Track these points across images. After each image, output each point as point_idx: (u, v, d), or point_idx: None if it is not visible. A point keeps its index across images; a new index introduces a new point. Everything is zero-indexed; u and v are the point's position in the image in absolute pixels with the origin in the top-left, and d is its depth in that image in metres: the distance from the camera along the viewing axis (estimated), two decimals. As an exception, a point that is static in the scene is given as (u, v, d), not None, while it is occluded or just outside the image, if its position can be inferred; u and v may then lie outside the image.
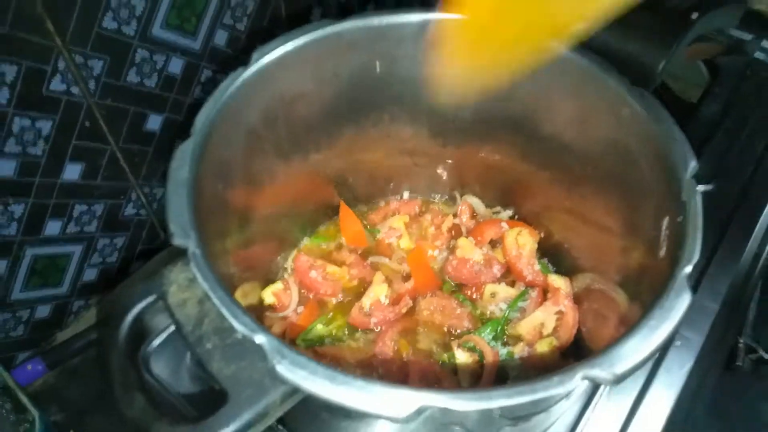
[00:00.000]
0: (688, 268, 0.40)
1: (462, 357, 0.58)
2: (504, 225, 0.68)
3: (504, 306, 0.64)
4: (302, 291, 0.65)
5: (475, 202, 0.71)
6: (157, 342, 0.41)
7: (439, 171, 0.70)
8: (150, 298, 0.38)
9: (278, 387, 0.35)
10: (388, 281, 0.64)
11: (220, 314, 0.34)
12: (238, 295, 0.51)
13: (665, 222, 0.45)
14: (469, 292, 0.66)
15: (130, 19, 0.58)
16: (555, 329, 0.61)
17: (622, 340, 0.37)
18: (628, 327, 0.38)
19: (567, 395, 0.51)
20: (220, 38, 0.68)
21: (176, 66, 0.65)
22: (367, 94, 0.54)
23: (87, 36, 0.55)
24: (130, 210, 0.70)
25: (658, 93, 0.76)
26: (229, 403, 0.35)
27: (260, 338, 0.33)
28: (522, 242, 0.65)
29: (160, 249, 0.74)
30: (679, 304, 0.38)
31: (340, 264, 0.66)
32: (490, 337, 0.62)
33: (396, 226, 0.68)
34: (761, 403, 0.91)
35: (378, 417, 0.32)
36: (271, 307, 0.62)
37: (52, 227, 0.62)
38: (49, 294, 0.66)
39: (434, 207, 0.73)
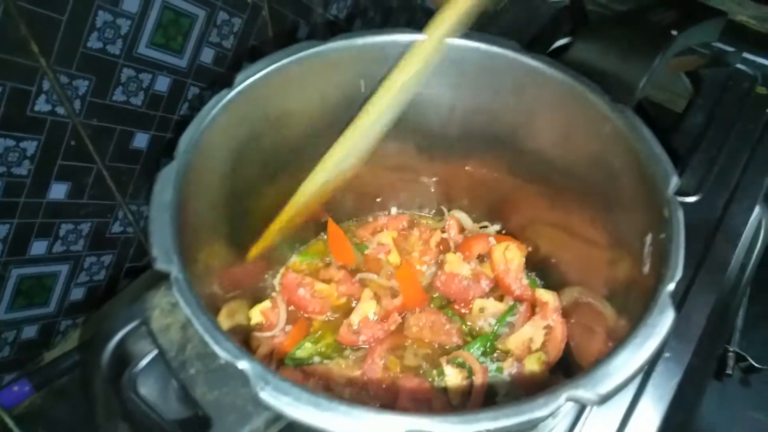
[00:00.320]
0: (671, 286, 0.40)
1: (451, 374, 0.58)
2: (492, 240, 0.68)
3: (493, 321, 0.64)
4: (290, 309, 0.65)
5: (462, 216, 0.71)
6: (143, 363, 0.41)
7: (427, 186, 0.70)
8: (133, 324, 0.37)
9: (262, 413, 0.35)
10: (377, 298, 0.64)
11: (203, 339, 0.34)
12: (225, 314, 0.51)
13: (648, 238, 0.45)
14: (457, 307, 0.66)
15: (116, 38, 0.58)
16: (544, 344, 0.61)
17: (605, 359, 0.37)
18: (616, 341, 0.39)
19: (554, 415, 0.51)
20: (207, 56, 0.68)
21: (163, 84, 0.65)
22: (353, 113, 0.54)
23: (72, 56, 0.55)
24: (117, 228, 0.69)
25: (641, 107, 0.77)
26: (213, 429, 0.35)
27: (243, 364, 0.33)
28: (510, 257, 0.66)
29: (147, 267, 0.73)
30: (662, 322, 0.39)
31: (328, 281, 0.66)
32: (479, 352, 0.62)
33: (384, 241, 0.69)
34: (751, 412, 0.92)
35: (363, 442, 0.32)
36: (259, 326, 0.62)
37: (38, 247, 0.62)
38: (35, 314, 0.65)
39: (422, 222, 0.73)
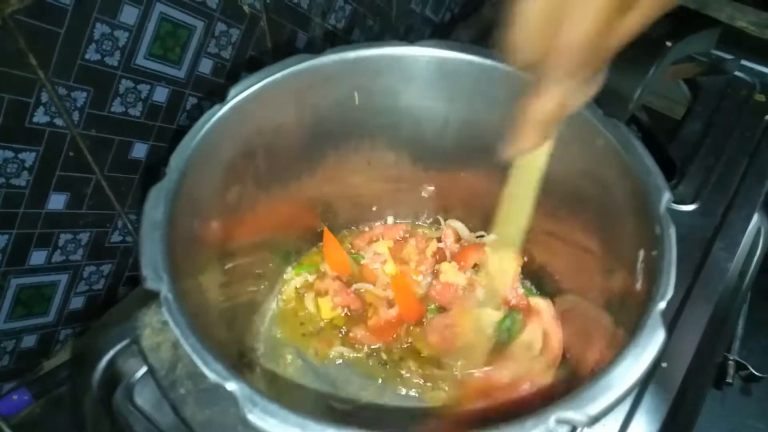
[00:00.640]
0: (662, 305, 0.40)
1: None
2: (487, 249, 0.68)
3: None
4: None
5: (458, 226, 0.71)
6: (139, 374, 0.41)
7: (423, 196, 0.70)
8: (123, 342, 0.38)
9: (251, 434, 0.35)
10: (373, 308, 0.64)
11: (193, 359, 0.34)
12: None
13: (641, 254, 0.45)
14: (453, 317, 0.66)
15: (114, 50, 0.58)
16: (542, 349, 0.61)
17: (595, 379, 0.37)
18: (614, 351, 0.39)
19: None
20: (205, 66, 0.68)
21: (161, 95, 0.65)
22: (348, 125, 0.54)
23: (70, 68, 0.55)
24: (116, 237, 0.70)
25: (635, 118, 0.76)
26: (203, 449, 0.35)
27: (231, 385, 0.33)
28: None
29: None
30: (653, 342, 0.39)
31: (323, 292, 0.66)
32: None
33: (380, 251, 0.69)
34: (752, 421, 0.91)
35: (350, 463, 0.32)
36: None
37: (37, 257, 0.62)
38: (35, 323, 0.66)
39: (419, 231, 0.73)
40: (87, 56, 0.56)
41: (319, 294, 0.66)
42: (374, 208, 0.72)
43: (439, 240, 0.71)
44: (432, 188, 0.69)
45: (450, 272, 0.66)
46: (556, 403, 0.35)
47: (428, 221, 0.74)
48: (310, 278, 0.68)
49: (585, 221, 0.55)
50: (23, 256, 0.61)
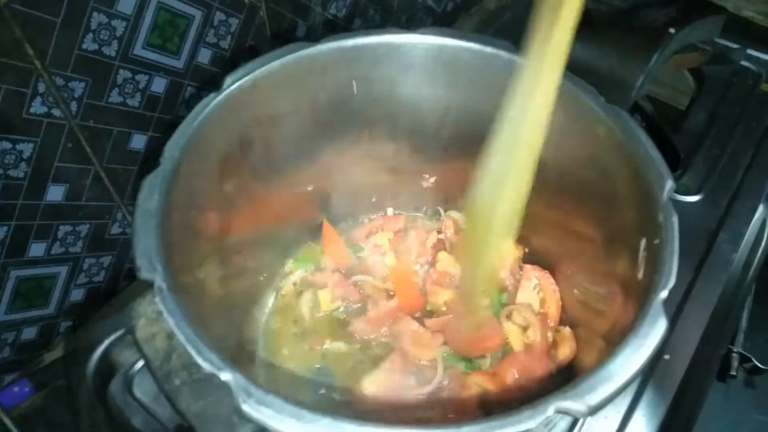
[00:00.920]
0: (664, 294, 0.40)
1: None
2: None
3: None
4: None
5: (459, 217, 0.70)
6: (138, 366, 0.41)
7: (422, 187, 0.69)
8: (118, 332, 0.37)
9: (246, 424, 0.35)
10: (373, 300, 0.64)
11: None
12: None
13: (643, 243, 0.44)
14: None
15: (111, 40, 0.58)
16: (541, 305, 0.62)
17: (595, 369, 0.36)
18: (616, 341, 0.38)
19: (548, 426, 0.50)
20: (204, 56, 0.67)
21: (159, 85, 0.65)
22: (346, 114, 0.54)
23: (67, 58, 0.55)
24: (116, 229, 0.69)
25: (639, 108, 0.75)
26: (198, 440, 0.35)
27: (226, 375, 0.33)
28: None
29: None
30: (654, 331, 0.38)
31: (322, 285, 0.65)
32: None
33: (380, 243, 0.68)
34: (755, 414, 0.90)
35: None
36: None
37: (37, 249, 0.62)
38: (35, 315, 0.65)
39: (418, 223, 0.72)
40: (84, 46, 0.56)
41: (318, 286, 0.65)
42: (374, 200, 0.71)
43: (439, 231, 0.70)
44: (432, 179, 0.68)
45: (446, 261, 0.65)
46: (556, 392, 0.35)
47: (429, 212, 0.74)
48: (309, 273, 0.68)
49: (586, 210, 0.54)
50: (23, 247, 0.60)
